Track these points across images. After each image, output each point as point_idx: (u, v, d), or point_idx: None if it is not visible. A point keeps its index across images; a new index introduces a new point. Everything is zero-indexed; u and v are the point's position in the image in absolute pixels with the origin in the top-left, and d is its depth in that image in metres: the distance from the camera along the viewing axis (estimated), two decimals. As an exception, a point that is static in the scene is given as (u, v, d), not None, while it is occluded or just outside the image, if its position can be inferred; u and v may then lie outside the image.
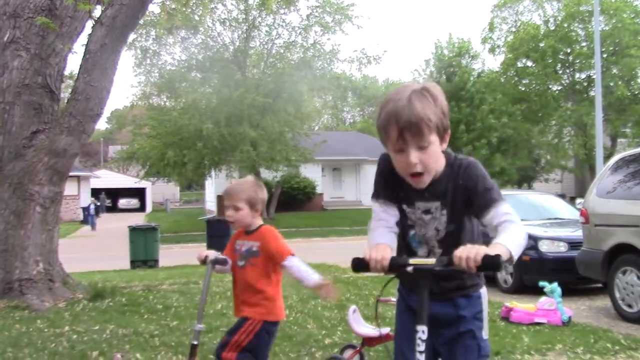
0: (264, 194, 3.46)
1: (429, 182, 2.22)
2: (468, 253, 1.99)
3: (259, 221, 3.47)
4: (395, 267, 2.17)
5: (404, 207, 2.35)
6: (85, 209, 34.22)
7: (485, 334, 2.39)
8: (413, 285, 2.22)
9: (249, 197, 3.38)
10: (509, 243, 2.06)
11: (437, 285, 2.22)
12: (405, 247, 2.41)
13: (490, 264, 1.95)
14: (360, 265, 2.18)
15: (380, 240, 2.29)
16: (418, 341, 2.05)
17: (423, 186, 2.22)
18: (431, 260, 2.11)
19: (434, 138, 2.13)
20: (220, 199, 36.00)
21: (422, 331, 2.05)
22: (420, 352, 2.04)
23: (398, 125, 2.08)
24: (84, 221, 33.68)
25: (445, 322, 2.34)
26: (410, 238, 2.38)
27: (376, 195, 2.40)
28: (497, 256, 1.96)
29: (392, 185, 2.35)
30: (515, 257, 2.07)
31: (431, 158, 2.15)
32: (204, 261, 3.47)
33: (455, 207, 2.27)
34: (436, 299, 2.21)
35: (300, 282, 3.35)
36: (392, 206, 2.37)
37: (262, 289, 3.37)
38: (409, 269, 2.12)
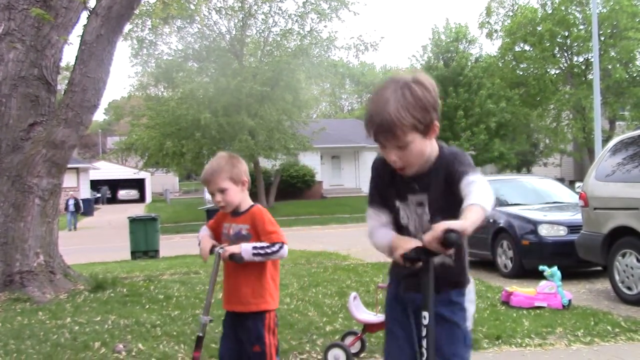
0: (243, 164, 3.18)
1: (413, 172, 2.22)
2: (432, 232, 1.95)
3: (249, 200, 3.19)
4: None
5: (397, 203, 2.33)
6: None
7: (469, 325, 2.35)
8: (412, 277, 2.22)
9: (229, 173, 3.10)
10: (478, 200, 2.01)
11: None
12: None
13: (449, 240, 1.91)
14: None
15: (390, 234, 2.30)
16: (423, 327, 2.11)
17: (409, 174, 2.23)
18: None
19: (412, 137, 2.11)
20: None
21: (424, 317, 2.10)
22: (423, 337, 2.10)
23: (373, 129, 2.13)
24: (83, 213, 33.35)
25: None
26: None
27: (370, 200, 2.42)
28: (452, 231, 1.90)
29: (385, 184, 2.35)
30: (490, 210, 2.02)
31: (411, 155, 2.15)
32: (210, 251, 3.17)
33: (437, 199, 2.24)
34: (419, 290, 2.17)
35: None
36: (384, 211, 2.37)
37: (261, 275, 3.09)
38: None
